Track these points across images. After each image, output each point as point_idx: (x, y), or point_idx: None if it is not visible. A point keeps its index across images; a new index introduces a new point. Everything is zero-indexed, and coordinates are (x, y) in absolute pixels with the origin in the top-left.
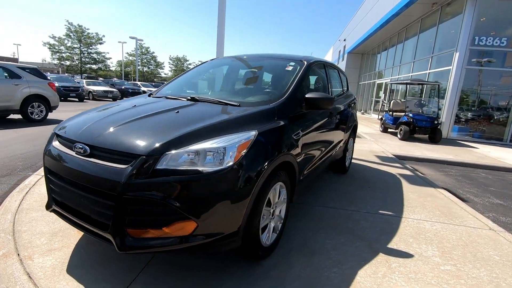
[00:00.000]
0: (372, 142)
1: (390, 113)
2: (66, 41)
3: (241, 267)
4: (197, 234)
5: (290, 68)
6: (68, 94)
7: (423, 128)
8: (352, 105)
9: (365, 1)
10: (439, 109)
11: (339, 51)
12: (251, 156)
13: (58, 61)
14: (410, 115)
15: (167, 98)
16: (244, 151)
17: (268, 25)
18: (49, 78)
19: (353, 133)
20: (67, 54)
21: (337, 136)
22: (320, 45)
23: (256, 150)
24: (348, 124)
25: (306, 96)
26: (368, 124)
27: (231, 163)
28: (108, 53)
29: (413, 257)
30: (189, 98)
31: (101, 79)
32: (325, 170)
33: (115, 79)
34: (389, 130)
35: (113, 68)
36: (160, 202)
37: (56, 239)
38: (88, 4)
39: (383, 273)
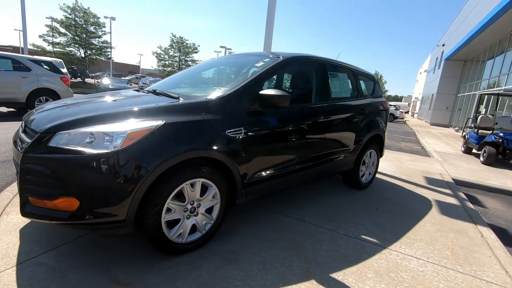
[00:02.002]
0: (437, 162)
1: (475, 130)
2: (169, 51)
3: (146, 258)
4: (82, 212)
5: (259, 64)
6: None
7: None
8: (373, 112)
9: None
10: None
11: (436, 58)
12: (146, 144)
13: (162, 68)
14: (500, 134)
15: (138, 90)
16: (137, 138)
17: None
18: (64, 72)
19: (375, 145)
20: (169, 61)
21: (336, 144)
22: (419, 51)
23: (155, 139)
24: (361, 133)
25: (259, 92)
26: (451, 142)
27: (116, 148)
28: (201, 60)
29: None
30: (151, 90)
31: None
32: (336, 183)
33: None
34: (473, 151)
35: None
36: (48, 176)
37: None
38: (196, 20)
39: None
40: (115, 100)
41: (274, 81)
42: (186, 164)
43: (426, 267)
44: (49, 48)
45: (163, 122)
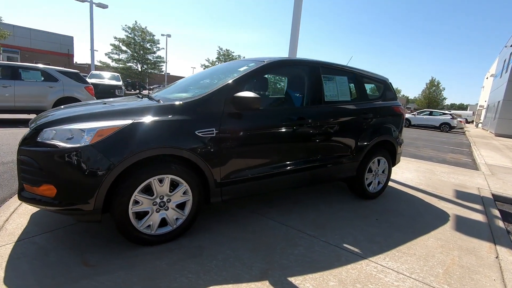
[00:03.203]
0: (481, 176)
1: None
2: (216, 63)
3: (121, 246)
4: (59, 199)
5: (242, 69)
6: None
7: None
8: (381, 117)
9: None
10: None
11: (504, 60)
12: (113, 141)
13: None
14: None
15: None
16: (106, 135)
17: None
18: (89, 82)
19: (385, 152)
20: None
21: (330, 148)
22: (487, 53)
23: (122, 136)
24: (364, 138)
25: (234, 95)
26: None
27: (85, 144)
28: None
29: None
30: (146, 95)
31: None
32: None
33: None
34: None
35: None
36: (34, 165)
37: None
38: (243, 33)
39: None
40: (105, 104)
41: (258, 84)
42: (153, 161)
43: (404, 282)
44: (113, 64)
45: (131, 122)
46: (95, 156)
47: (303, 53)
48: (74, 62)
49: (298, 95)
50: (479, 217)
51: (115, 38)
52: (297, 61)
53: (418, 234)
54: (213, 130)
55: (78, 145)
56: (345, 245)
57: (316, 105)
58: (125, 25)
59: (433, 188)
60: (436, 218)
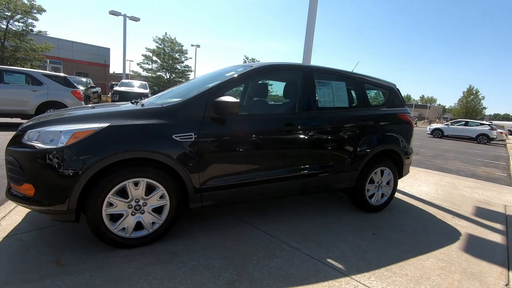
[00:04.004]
0: (510, 191)
1: None
2: None
3: (98, 246)
4: (38, 198)
5: (228, 74)
6: None
7: None
8: (384, 124)
9: None
10: None
11: None
12: (88, 143)
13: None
14: None
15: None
16: (81, 137)
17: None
18: (78, 87)
19: (390, 162)
20: None
21: (322, 156)
22: None
23: (98, 139)
24: (364, 146)
25: (214, 100)
26: None
27: (61, 145)
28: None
29: None
30: (138, 101)
31: None
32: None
33: None
34: None
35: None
36: (17, 165)
37: None
38: (272, 42)
39: None
40: (93, 107)
41: (259, 90)
42: (129, 163)
43: None
44: (143, 73)
45: (108, 125)
46: (70, 157)
47: (323, 62)
48: (112, 72)
49: (288, 100)
50: (497, 238)
51: (146, 48)
52: (288, 66)
53: (417, 253)
54: (191, 135)
55: (54, 146)
56: (328, 260)
57: (307, 111)
58: (156, 36)
59: (450, 203)
60: (443, 237)
